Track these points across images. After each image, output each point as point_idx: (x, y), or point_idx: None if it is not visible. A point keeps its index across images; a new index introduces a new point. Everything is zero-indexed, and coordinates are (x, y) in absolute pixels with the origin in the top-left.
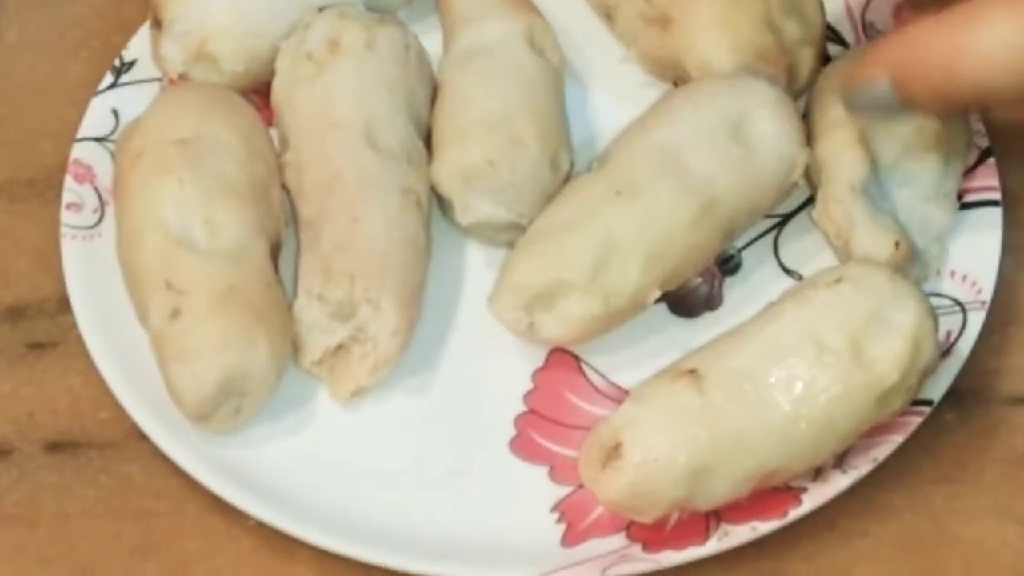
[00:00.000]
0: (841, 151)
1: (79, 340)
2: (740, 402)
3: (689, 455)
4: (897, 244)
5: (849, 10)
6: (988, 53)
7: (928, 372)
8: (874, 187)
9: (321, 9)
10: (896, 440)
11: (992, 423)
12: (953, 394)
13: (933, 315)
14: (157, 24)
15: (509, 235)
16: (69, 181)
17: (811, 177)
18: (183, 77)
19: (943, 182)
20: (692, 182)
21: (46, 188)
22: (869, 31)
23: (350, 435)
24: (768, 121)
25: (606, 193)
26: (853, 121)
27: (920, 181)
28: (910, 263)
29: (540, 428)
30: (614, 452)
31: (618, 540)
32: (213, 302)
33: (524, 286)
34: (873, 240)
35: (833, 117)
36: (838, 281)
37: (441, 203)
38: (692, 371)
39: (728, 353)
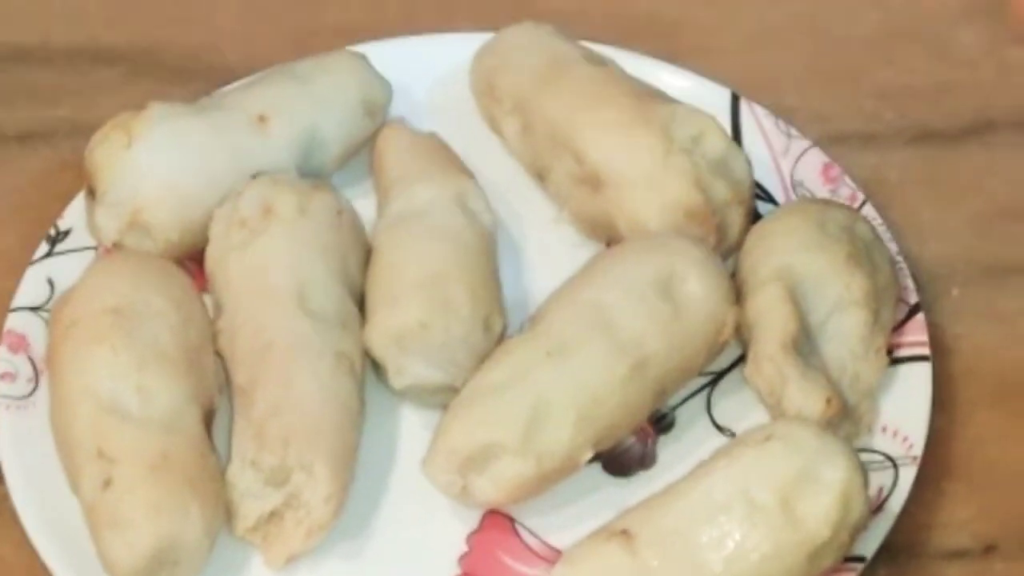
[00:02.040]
0: (771, 308)
1: (11, 511)
2: (672, 562)
3: None
4: (828, 401)
5: (778, 168)
6: None
7: (859, 528)
8: (805, 344)
9: (254, 176)
10: None
11: None
12: (886, 549)
13: (862, 471)
14: (92, 193)
15: (443, 397)
16: (3, 351)
17: (742, 335)
18: (117, 246)
19: (873, 338)
20: (622, 342)
21: None
22: (798, 189)
23: None
24: (696, 280)
25: (537, 354)
26: (782, 279)
27: (850, 337)
28: (842, 420)
29: None
30: None
31: None
32: (145, 470)
33: (457, 449)
34: (805, 397)
35: (763, 275)
36: (767, 439)
37: (375, 367)
38: (624, 531)
39: (660, 512)
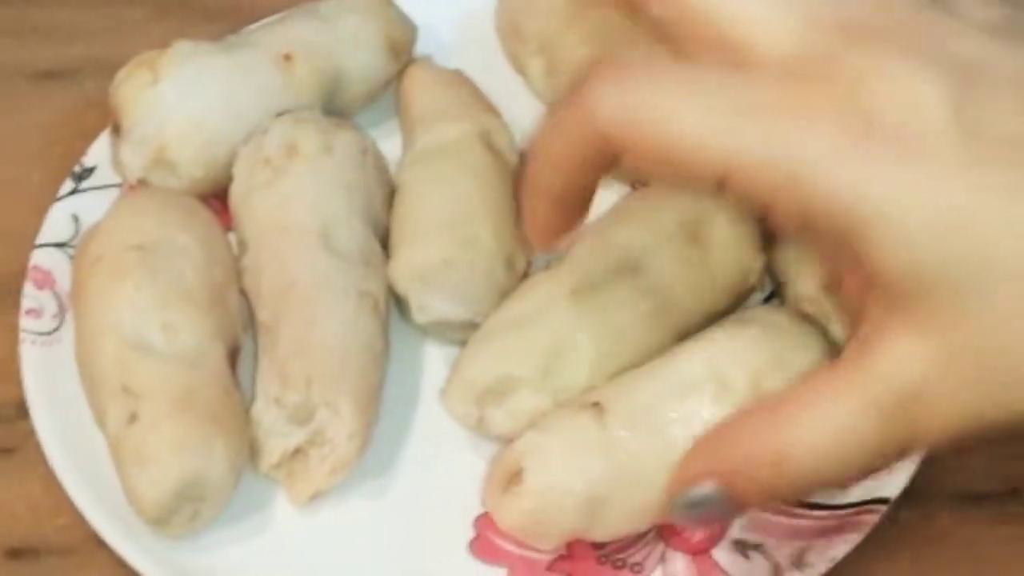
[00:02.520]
0: (807, 250)
1: (38, 447)
2: (640, 435)
3: (587, 484)
4: None
5: None
6: (816, 444)
7: None
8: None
9: (279, 115)
10: (854, 539)
11: (948, 522)
12: (909, 492)
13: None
14: (117, 130)
15: (466, 334)
16: (28, 287)
17: (775, 277)
18: (142, 183)
19: None
20: (647, 283)
21: (5, 294)
22: None
23: (308, 538)
24: (726, 224)
25: (560, 291)
26: None
27: None
28: None
29: (499, 530)
30: (515, 477)
31: None
32: (170, 406)
33: (474, 381)
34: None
35: None
36: (744, 323)
37: (398, 303)
38: (596, 403)
39: (633, 388)
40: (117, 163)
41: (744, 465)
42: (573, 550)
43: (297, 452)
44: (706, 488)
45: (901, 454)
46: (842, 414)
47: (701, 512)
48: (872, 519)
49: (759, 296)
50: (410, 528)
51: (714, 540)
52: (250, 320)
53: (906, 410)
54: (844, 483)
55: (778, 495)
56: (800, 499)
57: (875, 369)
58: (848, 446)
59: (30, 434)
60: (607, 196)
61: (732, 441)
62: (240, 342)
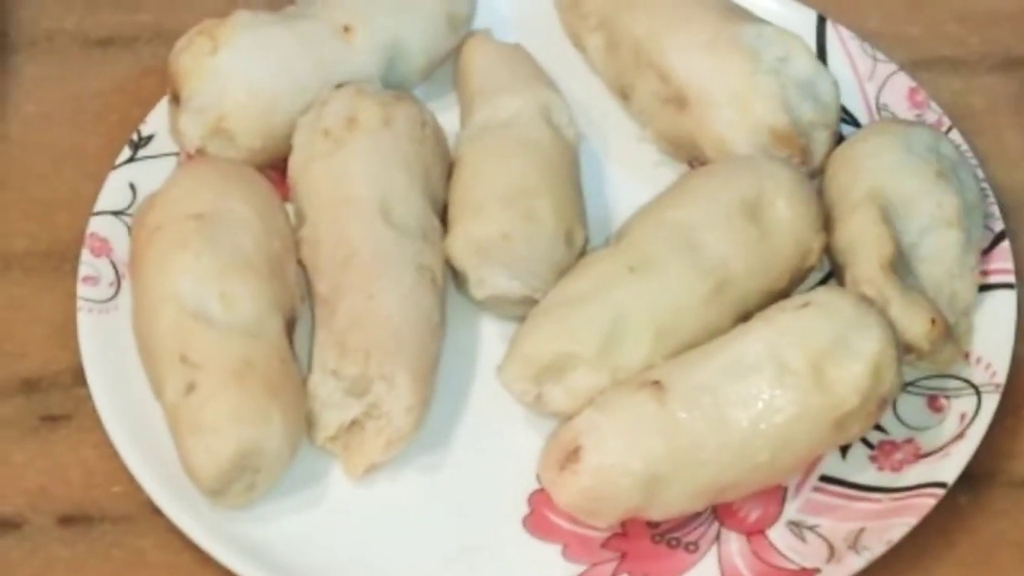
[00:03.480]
0: (866, 231)
1: (93, 413)
2: (699, 416)
3: (645, 463)
4: (933, 321)
5: (863, 92)
6: None
7: (888, 400)
8: (901, 265)
9: (338, 86)
10: (910, 522)
11: (1005, 506)
12: (967, 477)
13: (896, 344)
14: (175, 99)
15: (523, 309)
16: (86, 254)
17: (834, 258)
18: (200, 152)
19: (966, 257)
20: (706, 262)
21: (62, 261)
22: (883, 113)
23: (363, 511)
24: (785, 203)
25: (619, 269)
26: (874, 201)
27: (944, 256)
28: (945, 340)
29: (554, 506)
30: (573, 455)
31: None
32: (228, 377)
33: (533, 357)
34: (909, 319)
35: (854, 198)
36: (805, 305)
37: (455, 277)
38: (656, 382)
39: (692, 368)
40: (175, 132)
41: None
42: (628, 528)
43: (353, 424)
44: None
45: None
46: None
47: None
48: (929, 503)
49: (817, 277)
50: (464, 503)
51: (770, 520)
52: (307, 292)
53: None
54: None
55: None
56: None
57: None
58: None
59: (86, 400)
60: (666, 174)
61: None
62: (297, 313)
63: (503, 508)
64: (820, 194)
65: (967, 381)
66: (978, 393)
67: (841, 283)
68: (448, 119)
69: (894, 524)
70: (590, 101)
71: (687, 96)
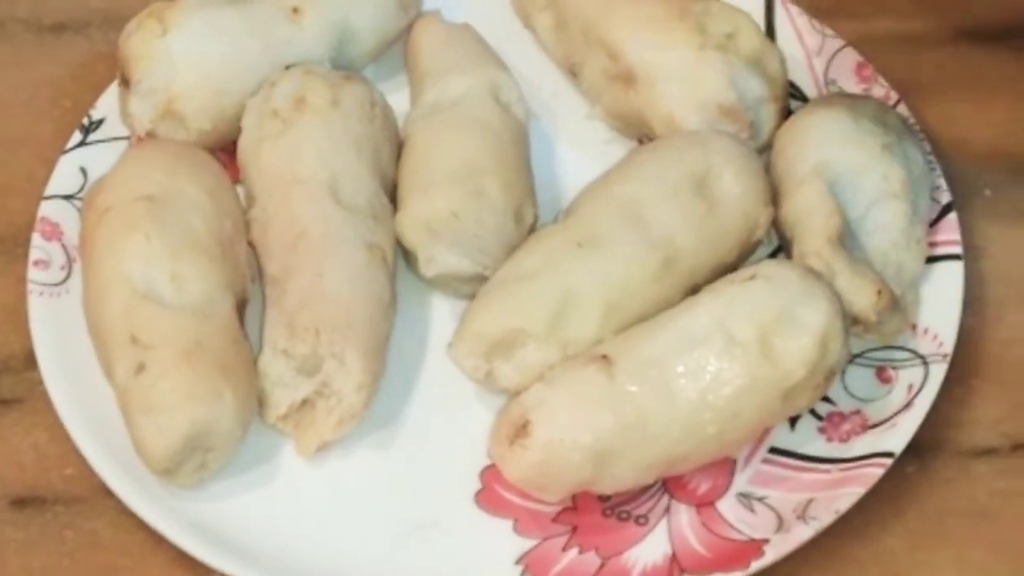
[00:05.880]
0: (813, 205)
1: (45, 396)
2: (648, 389)
3: (595, 437)
4: (879, 292)
5: (811, 67)
6: None
7: (835, 371)
8: (848, 238)
9: (287, 67)
10: (858, 492)
11: (952, 475)
12: (914, 447)
13: (843, 316)
14: (125, 83)
15: (473, 287)
16: (36, 238)
17: (782, 232)
18: (150, 135)
19: (912, 229)
20: (654, 237)
21: (14, 245)
22: (831, 88)
23: (315, 489)
24: (733, 177)
25: (568, 245)
26: (821, 174)
27: (891, 228)
28: (891, 311)
29: (505, 481)
30: (522, 430)
31: None
32: (179, 357)
33: (483, 334)
34: (855, 290)
35: (800, 172)
36: (752, 278)
37: (406, 255)
38: (604, 356)
39: (640, 341)
40: (125, 115)
41: None
42: (578, 502)
43: (304, 403)
44: None
45: None
46: None
47: None
48: (876, 472)
49: (766, 251)
50: (416, 479)
51: (719, 492)
52: (258, 272)
53: None
54: None
55: None
56: None
57: None
58: None
59: (38, 384)
60: (615, 151)
61: None
62: (248, 294)
63: (455, 484)
64: (768, 168)
65: (914, 352)
66: (925, 364)
67: (789, 256)
68: (398, 100)
69: (842, 494)
70: (540, 80)
71: (635, 73)
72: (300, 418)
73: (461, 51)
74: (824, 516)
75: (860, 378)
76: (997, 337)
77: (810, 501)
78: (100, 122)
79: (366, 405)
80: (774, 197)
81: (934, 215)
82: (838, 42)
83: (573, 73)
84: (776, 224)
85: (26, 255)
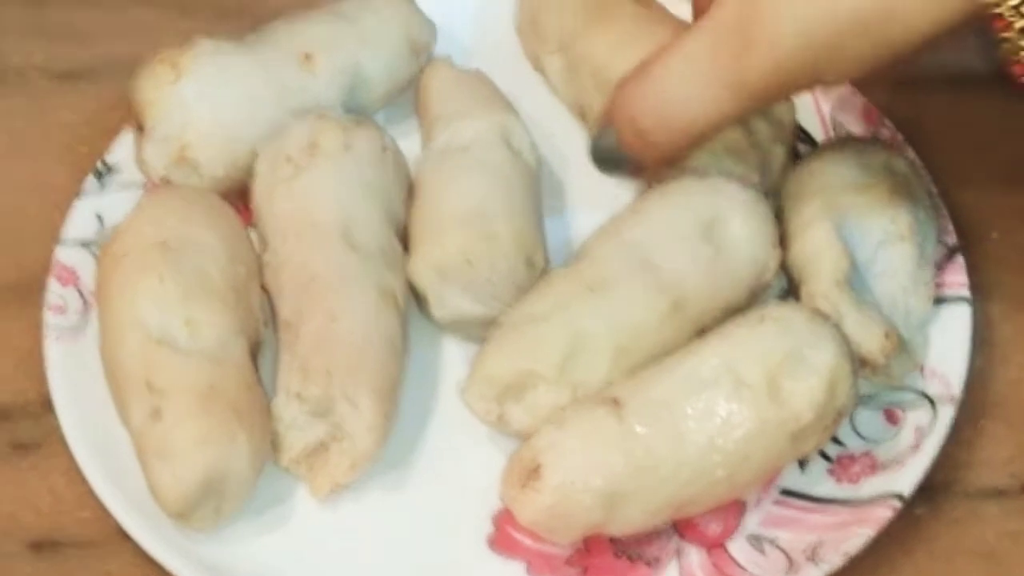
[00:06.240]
0: (821, 248)
1: (62, 440)
2: (657, 431)
3: (605, 479)
4: (887, 334)
5: (819, 110)
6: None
7: (843, 413)
8: (856, 280)
9: (299, 113)
10: (868, 534)
11: (963, 516)
12: (924, 488)
13: (851, 358)
14: (139, 129)
15: (484, 330)
16: (53, 283)
17: (790, 274)
18: (165, 181)
19: (920, 271)
20: (663, 280)
21: (30, 291)
22: (838, 130)
23: (329, 531)
24: (741, 222)
25: (578, 288)
26: (829, 218)
27: (899, 271)
28: (899, 353)
29: (517, 524)
30: (534, 473)
31: None
32: (193, 401)
33: (494, 377)
34: (863, 333)
35: (808, 215)
36: (760, 320)
37: (418, 299)
38: (614, 399)
39: (650, 383)
40: (140, 161)
41: (624, 107)
42: (590, 544)
43: (317, 446)
44: (607, 136)
45: (742, 70)
46: (686, 45)
47: (608, 156)
48: (887, 514)
49: (774, 293)
50: (429, 522)
51: (729, 533)
52: (271, 316)
53: (739, 27)
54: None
55: (657, 141)
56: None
57: (716, 9)
58: (688, 72)
59: (54, 428)
60: (625, 194)
61: (619, 91)
62: (262, 337)
63: (467, 527)
64: (777, 212)
65: (923, 394)
66: (933, 405)
67: (797, 299)
68: (410, 144)
69: (852, 535)
70: (551, 124)
71: None
72: (313, 461)
73: (471, 96)
74: (834, 558)
75: (869, 420)
76: (1005, 378)
77: (820, 543)
78: (115, 168)
79: (378, 447)
80: (782, 240)
81: (941, 257)
82: (845, 85)
83: (583, 116)
84: (784, 266)
85: (42, 300)
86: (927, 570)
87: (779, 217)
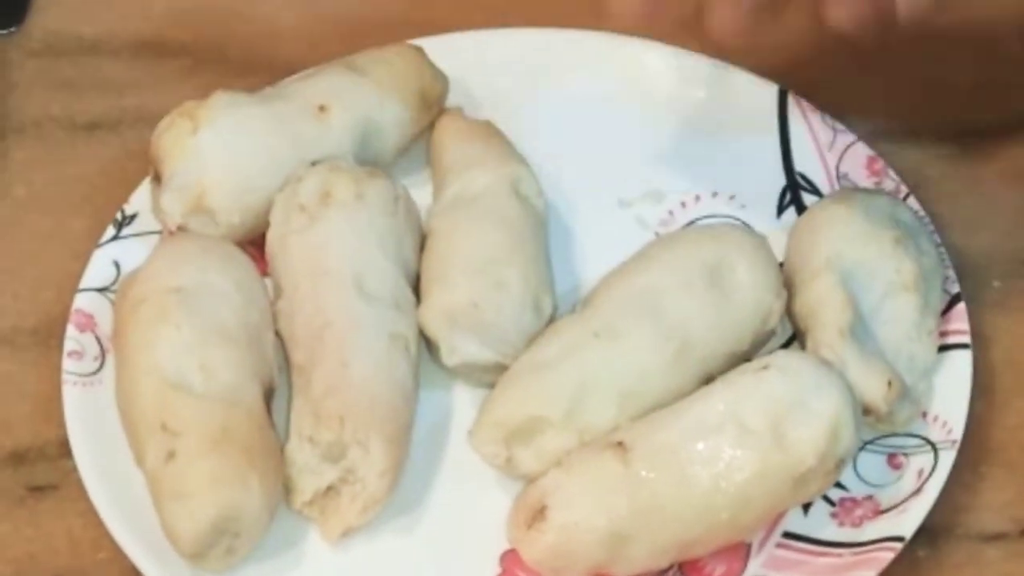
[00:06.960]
0: (826, 298)
1: (79, 483)
2: (662, 475)
3: (609, 520)
4: (890, 383)
5: (824, 161)
6: None
7: (846, 459)
8: (860, 330)
9: (313, 163)
10: None
11: (963, 559)
12: (925, 531)
13: (854, 405)
14: (157, 178)
15: (494, 375)
16: (71, 330)
17: (796, 324)
18: (182, 229)
19: (924, 320)
20: (669, 326)
21: (48, 336)
22: (843, 181)
23: (341, 573)
24: (746, 269)
25: (585, 334)
26: (834, 268)
27: (903, 320)
28: (902, 401)
29: (524, 565)
30: (539, 514)
31: None
32: (207, 443)
33: (502, 421)
34: (866, 381)
35: (814, 264)
36: (765, 368)
37: (428, 345)
38: (619, 443)
39: (655, 428)
40: (157, 210)
41: None
42: None
43: (329, 489)
44: None
45: None
46: None
47: None
48: (888, 557)
49: (779, 341)
50: (438, 564)
51: None
52: (285, 362)
53: None
54: None
55: None
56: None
57: None
58: None
59: (71, 471)
60: (632, 241)
61: None
62: (275, 383)
63: (475, 568)
64: (783, 260)
65: (925, 439)
66: (935, 450)
67: (803, 347)
68: (421, 194)
69: None
70: (559, 172)
71: None
72: (325, 504)
73: (482, 147)
74: None
75: (872, 464)
76: (1005, 423)
77: None
78: (133, 217)
79: (389, 491)
80: (788, 289)
81: (944, 304)
82: (849, 136)
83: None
84: (790, 316)
85: (60, 346)
86: None
87: (784, 267)
